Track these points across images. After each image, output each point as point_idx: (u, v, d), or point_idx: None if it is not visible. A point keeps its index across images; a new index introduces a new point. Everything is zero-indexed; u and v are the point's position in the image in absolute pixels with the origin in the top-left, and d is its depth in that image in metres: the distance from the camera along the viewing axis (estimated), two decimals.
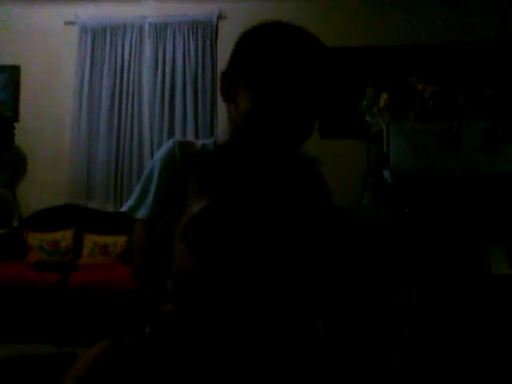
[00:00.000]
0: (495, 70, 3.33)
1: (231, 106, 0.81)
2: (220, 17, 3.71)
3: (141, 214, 0.86)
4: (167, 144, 0.88)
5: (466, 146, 2.76)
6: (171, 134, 3.72)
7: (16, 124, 3.64)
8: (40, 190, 3.70)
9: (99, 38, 3.76)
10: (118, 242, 3.32)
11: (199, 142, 0.90)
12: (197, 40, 3.70)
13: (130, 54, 3.75)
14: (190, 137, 3.55)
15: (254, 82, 0.76)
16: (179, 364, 0.49)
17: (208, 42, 3.69)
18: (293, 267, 0.44)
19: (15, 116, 3.72)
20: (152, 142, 3.72)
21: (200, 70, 3.68)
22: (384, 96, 2.98)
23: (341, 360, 0.56)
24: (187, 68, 3.69)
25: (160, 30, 3.73)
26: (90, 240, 3.39)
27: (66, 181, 3.69)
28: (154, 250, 0.86)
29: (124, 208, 0.89)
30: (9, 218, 3.49)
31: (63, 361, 2.41)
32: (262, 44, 0.77)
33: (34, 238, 3.35)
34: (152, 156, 3.67)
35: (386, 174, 2.80)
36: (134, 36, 3.75)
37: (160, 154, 0.88)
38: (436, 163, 2.76)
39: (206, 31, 3.71)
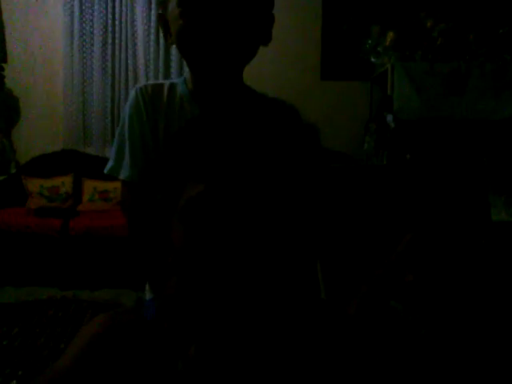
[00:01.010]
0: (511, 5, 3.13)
1: (169, 37, 0.82)
2: None
3: (123, 174, 0.86)
4: (130, 95, 0.87)
5: (472, 89, 2.67)
6: (167, 74, 3.60)
7: (5, 65, 3.49)
8: (36, 135, 3.63)
9: None
10: (117, 187, 3.30)
11: (167, 82, 0.88)
12: None
13: None
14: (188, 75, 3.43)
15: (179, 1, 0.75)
16: (176, 337, 0.49)
17: None
18: (285, 237, 0.43)
19: (3, 57, 3.56)
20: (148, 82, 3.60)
21: None
22: (390, 34, 2.83)
23: (342, 326, 0.56)
24: None
25: None
26: (90, 186, 3.38)
27: (62, 125, 3.62)
28: (144, 208, 0.86)
29: (106, 169, 0.88)
30: (6, 164, 3.46)
31: (67, 304, 2.49)
32: None
33: (33, 184, 3.35)
34: None
35: (389, 118, 2.73)
36: None
37: (126, 107, 0.87)
38: (440, 107, 2.68)
39: None
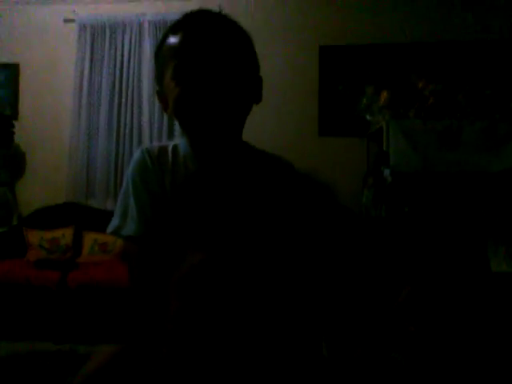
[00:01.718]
0: (495, 68, 3.33)
1: (168, 109, 0.86)
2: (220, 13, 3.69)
3: (127, 231, 0.82)
4: (135, 155, 0.87)
5: (465, 144, 2.76)
6: (171, 131, 3.72)
7: (15, 122, 3.64)
8: (39, 188, 3.70)
9: (98, 35, 3.75)
10: (117, 239, 3.32)
11: (170, 145, 0.90)
12: None
13: (130, 52, 3.74)
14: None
15: (174, 71, 0.81)
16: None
17: None
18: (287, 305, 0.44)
19: (15, 114, 3.72)
20: (151, 140, 3.72)
21: None
22: (384, 94, 2.98)
23: (343, 370, 0.56)
24: None
25: (160, 27, 3.71)
26: (90, 238, 3.39)
27: (66, 179, 3.69)
28: (152, 263, 0.81)
29: (109, 229, 0.85)
30: (9, 216, 3.49)
31: (63, 358, 2.41)
32: (173, 32, 0.83)
33: (33, 236, 3.35)
34: None
35: (386, 172, 2.80)
36: (134, 33, 3.74)
37: (131, 168, 0.86)
38: (436, 161, 2.76)
39: None
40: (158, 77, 0.87)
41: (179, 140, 0.92)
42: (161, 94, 0.88)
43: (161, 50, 0.86)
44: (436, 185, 2.76)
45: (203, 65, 0.78)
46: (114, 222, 0.84)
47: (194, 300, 0.42)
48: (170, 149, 0.89)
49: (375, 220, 2.81)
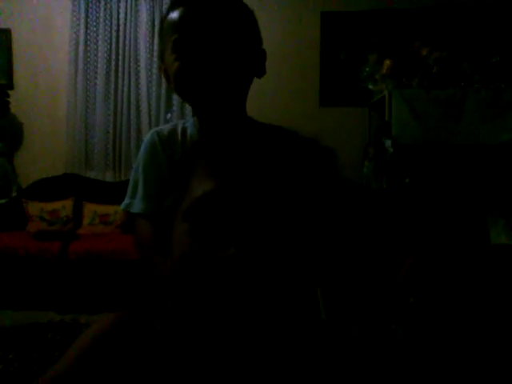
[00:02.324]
0: (504, 33, 3.23)
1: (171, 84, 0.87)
2: None
3: (136, 208, 0.87)
4: (146, 138, 0.92)
5: (469, 114, 2.72)
6: (169, 100, 3.66)
7: (10, 92, 3.57)
8: (38, 159, 3.67)
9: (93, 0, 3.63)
10: (118, 211, 3.32)
11: (179, 125, 0.93)
12: None
13: (126, 17, 3.62)
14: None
15: (173, 45, 0.81)
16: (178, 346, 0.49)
17: None
18: (289, 250, 0.43)
19: (10, 83, 3.64)
20: (150, 110, 3.66)
21: None
22: (387, 62, 2.90)
23: (341, 345, 0.56)
24: None
25: None
26: (90, 209, 3.39)
27: (64, 150, 3.66)
28: (160, 238, 0.84)
29: (122, 206, 0.92)
30: (8, 187, 3.48)
31: (66, 328, 2.46)
32: (174, 7, 0.83)
33: (33, 208, 3.35)
34: (150, 124, 3.63)
35: (388, 143, 2.77)
36: None
37: (142, 148, 0.92)
38: (438, 132, 2.73)
39: None
40: (162, 52, 0.88)
41: (187, 122, 0.94)
42: (164, 70, 0.88)
43: (163, 25, 0.86)
44: (437, 156, 2.74)
45: (203, 38, 0.78)
46: (125, 200, 0.90)
47: (201, 225, 0.42)
48: (179, 130, 0.92)
49: (376, 191, 2.80)
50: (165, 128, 0.92)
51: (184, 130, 0.92)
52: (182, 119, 3.36)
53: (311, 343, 0.52)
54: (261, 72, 0.88)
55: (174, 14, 0.82)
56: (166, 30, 0.84)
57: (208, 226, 0.43)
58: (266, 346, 0.48)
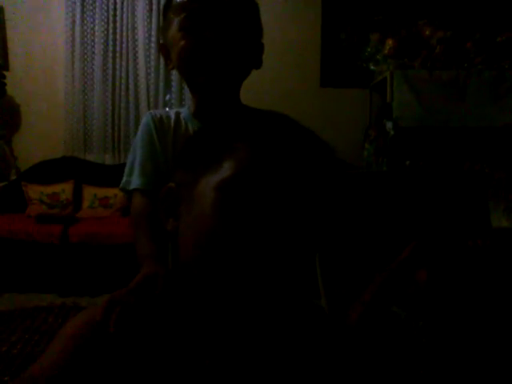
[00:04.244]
0: (509, 13, 3.16)
1: (170, 63, 0.90)
2: None
3: (133, 184, 0.90)
4: (143, 119, 0.96)
5: (472, 96, 2.68)
6: (168, 81, 3.62)
7: (6, 73, 3.51)
8: (36, 142, 3.64)
9: None
10: (118, 194, 3.31)
11: (172, 111, 0.97)
12: None
13: None
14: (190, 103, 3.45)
15: (181, 22, 0.84)
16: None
17: None
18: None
19: (5, 64, 3.58)
20: (148, 91, 3.62)
21: None
22: (389, 42, 2.85)
23: (343, 334, 0.56)
24: None
25: None
26: (90, 192, 3.38)
27: (63, 132, 3.63)
28: (153, 211, 0.88)
29: (120, 185, 0.94)
30: (7, 170, 3.46)
31: (67, 311, 2.48)
32: None
33: (33, 191, 3.35)
34: (148, 106, 3.60)
35: (389, 125, 2.74)
36: None
37: (139, 130, 0.95)
38: (440, 114, 2.70)
39: None
40: (164, 30, 0.91)
41: (181, 108, 1.00)
42: (164, 47, 0.91)
43: (170, 4, 0.89)
44: (439, 138, 2.71)
45: (211, 20, 0.82)
46: (123, 179, 0.93)
47: (235, 203, 0.43)
48: (172, 113, 0.96)
49: (376, 173, 2.78)
50: (158, 112, 0.96)
51: (178, 114, 0.95)
52: (181, 100, 3.32)
53: (311, 332, 0.52)
54: (258, 64, 0.92)
55: None
56: (174, 7, 0.86)
57: (240, 204, 0.43)
58: (266, 336, 0.47)
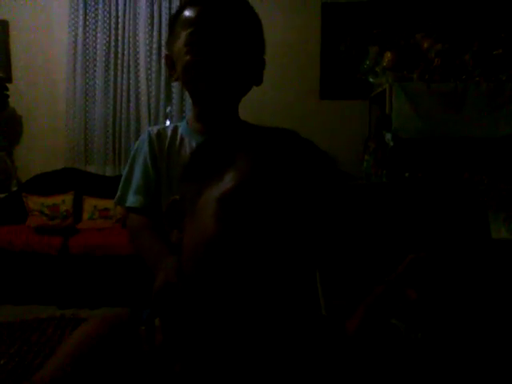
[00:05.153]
0: (505, 26, 3.19)
1: (174, 73, 0.93)
2: None
3: (128, 202, 0.94)
4: (140, 137, 1.00)
5: (470, 107, 2.70)
6: (169, 93, 3.64)
7: (9, 85, 3.55)
8: (37, 153, 3.65)
9: None
10: (118, 206, 3.32)
11: (170, 127, 0.99)
12: None
13: (125, 9, 3.59)
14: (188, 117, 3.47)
15: (188, 37, 0.87)
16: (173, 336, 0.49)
17: None
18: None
19: (8, 76, 3.62)
20: (149, 103, 3.64)
21: None
22: (388, 55, 2.88)
23: (342, 338, 0.56)
24: None
25: None
26: (90, 204, 3.39)
27: (64, 144, 3.64)
28: (152, 226, 0.91)
29: (115, 200, 0.98)
30: (7, 182, 3.47)
31: (66, 323, 2.47)
32: (192, 3, 0.89)
33: (33, 202, 3.35)
34: (149, 117, 3.62)
35: (388, 136, 2.75)
36: None
37: (136, 145, 0.99)
38: (439, 126, 2.71)
39: None
40: (170, 42, 0.94)
41: (180, 122, 1.02)
42: (169, 58, 0.94)
43: (177, 18, 0.92)
44: (438, 150, 2.72)
45: (216, 36, 0.85)
46: (118, 193, 0.97)
47: (235, 214, 0.43)
48: (170, 128, 0.98)
49: (376, 186, 2.79)
50: (156, 127, 0.99)
51: (175, 128, 0.98)
52: (182, 112, 3.33)
53: (310, 338, 0.52)
54: (259, 81, 0.95)
55: (191, 10, 0.88)
56: (182, 21, 0.89)
57: (241, 217, 0.43)
58: (265, 339, 0.48)
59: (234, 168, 0.45)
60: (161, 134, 0.96)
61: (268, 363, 0.48)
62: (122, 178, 0.97)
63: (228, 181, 0.44)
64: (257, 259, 0.42)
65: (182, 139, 0.96)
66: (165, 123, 3.52)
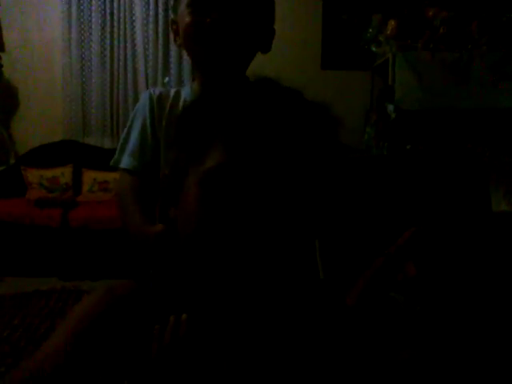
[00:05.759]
0: None
1: (178, 39, 0.90)
2: None
3: (123, 163, 0.92)
4: (141, 97, 0.97)
5: (475, 77, 2.64)
6: (166, 63, 3.56)
7: (2, 54, 3.45)
8: (35, 125, 3.60)
9: None
10: (117, 178, 3.30)
11: (172, 90, 0.96)
12: None
13: None
14: (187, 64, 3.43)
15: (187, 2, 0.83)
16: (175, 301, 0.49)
17: None
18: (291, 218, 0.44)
19: (0, 45, 3.52)
20: (147, 73, 3.57)
21: None
22: (391, 23, 2.80)
23: (339, 304, 0.56)
24: None
25: None
26: (90, 176, 3.37)
27: (61, 116, 3.59)
28: (139, 190, 0.91)
29: (111, 162, 0.96)
30: (5, 154, 3.45)
31: (68, 295, 2.50)
32: None
33: (32, 175, 3.34)
34: (147, 88, 3.55)
35: (390, 108, 2.71)
36: None
37: (136, 106, 0.96)
38: (442, 97, 2.66)
39: None
40: (175, 5, 0.91)
41: (185, 85, 1.04)
42: (174, 23, 0.91)
43: None
44: (440, 122, 2.68)
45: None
46: (115, 156, 0.95)
47: (216, 196, 0.43)
48: (172, 92, 0.95)
49: (376, 158, 2.76)
50: (158, 89, 0.96)
51: (177, 93, 0.95)
52: (180, 82, 3.26)
53: (309, 305, 0.52)
54: (266, 49, 0.93)
55: None
56: None
57: (221, 196, 0.43)
58: (264, 304, 0.47)
59: (213, 148, 0.45)
60: (162, 97, 0.94)
61: (266, 328, 0.48)
62: (120, 141, 0.96)
63: (208, 161, 0.44)
64: (242, 239, 0.43)
65: (184, 102, 0.93)
66: None
